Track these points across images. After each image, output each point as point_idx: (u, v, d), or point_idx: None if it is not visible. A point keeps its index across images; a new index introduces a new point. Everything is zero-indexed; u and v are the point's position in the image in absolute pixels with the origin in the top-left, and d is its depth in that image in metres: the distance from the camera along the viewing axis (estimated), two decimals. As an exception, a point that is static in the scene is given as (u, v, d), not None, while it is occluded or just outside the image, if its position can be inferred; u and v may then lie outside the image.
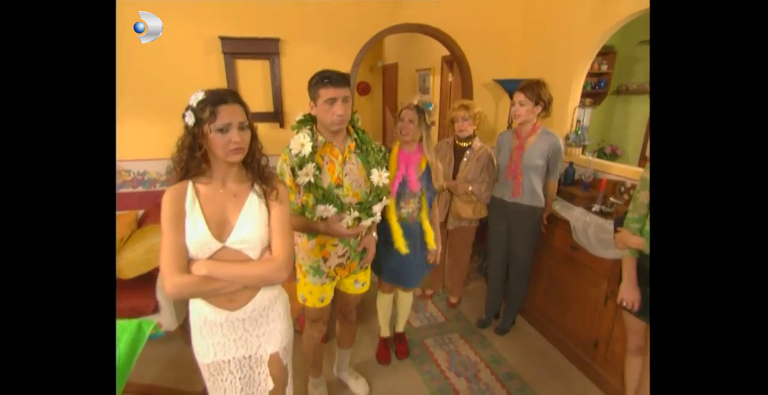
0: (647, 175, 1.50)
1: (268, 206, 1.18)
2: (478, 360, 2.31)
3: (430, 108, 1.81)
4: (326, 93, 1.40)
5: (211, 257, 1.11)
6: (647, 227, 1.49)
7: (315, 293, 1.65)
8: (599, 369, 2.09)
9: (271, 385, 1.28)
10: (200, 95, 1.06)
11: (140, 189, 2.68)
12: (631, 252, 1.56)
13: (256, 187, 1.17)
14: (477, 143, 2.46)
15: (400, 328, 2.40)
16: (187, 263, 1.08)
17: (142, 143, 2.59)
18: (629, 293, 1.57)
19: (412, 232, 1.91)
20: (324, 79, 1.40)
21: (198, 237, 1.08)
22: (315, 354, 1.88)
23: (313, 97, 1.45)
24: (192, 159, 1.09)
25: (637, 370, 1.70)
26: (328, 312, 1.78)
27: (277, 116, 2.83)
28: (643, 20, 2.70)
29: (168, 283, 1.05)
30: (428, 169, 1.90)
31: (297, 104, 2.83)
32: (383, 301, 2.22)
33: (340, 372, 2.12)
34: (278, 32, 2.65)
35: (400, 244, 1.84)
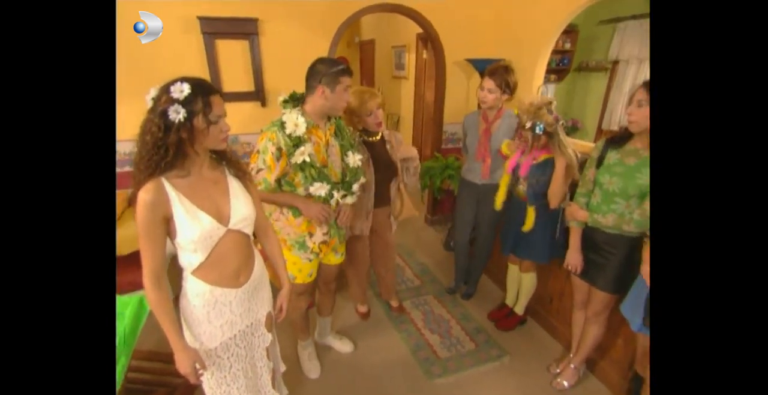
0: (595, 154, 1.58)
1: (245, 186, 1.19)
2: (450, 318, 2.46)
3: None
4: (346, 81, 1.51)
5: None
6: (592, 201, 1.59)
7: (304, 271, 1.71)
8: (553, 320, 2.27)
9: (268, 341, 1.33)
10: (185, 87, 0.94)
11: (126, 169, 2.63)
12: (578, 224, 1.65)
13: (230, 170, 1.17)
14: (384, 131, 2.02)
15: None
16: (164, 269, 1.08)
17: (122, 124, 2.51)
18: (573, 258, 1.69)
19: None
20: (343, 69, 1.50)
21: (205, 228, 1.05)
22: (303, 321, 1.96)
23: (330, 83, 1.48)
24: (176, 156, 0.99)
25: (581, 321, 1.86)
26: (314, 284, 1.86)
27: (258, 95, 2.78)
28: (605, 0, 2.71)
29: (148, 296, 1.06)
30: None
31: (277, 83, 2.78)
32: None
33: (323, 338, 2.18)
34: (256, 12, 2.56)
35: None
